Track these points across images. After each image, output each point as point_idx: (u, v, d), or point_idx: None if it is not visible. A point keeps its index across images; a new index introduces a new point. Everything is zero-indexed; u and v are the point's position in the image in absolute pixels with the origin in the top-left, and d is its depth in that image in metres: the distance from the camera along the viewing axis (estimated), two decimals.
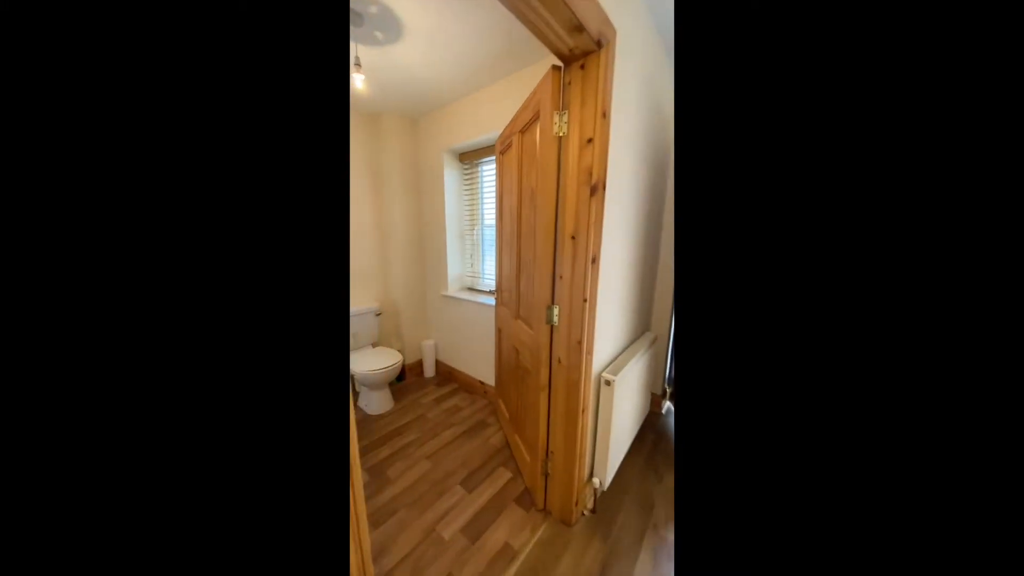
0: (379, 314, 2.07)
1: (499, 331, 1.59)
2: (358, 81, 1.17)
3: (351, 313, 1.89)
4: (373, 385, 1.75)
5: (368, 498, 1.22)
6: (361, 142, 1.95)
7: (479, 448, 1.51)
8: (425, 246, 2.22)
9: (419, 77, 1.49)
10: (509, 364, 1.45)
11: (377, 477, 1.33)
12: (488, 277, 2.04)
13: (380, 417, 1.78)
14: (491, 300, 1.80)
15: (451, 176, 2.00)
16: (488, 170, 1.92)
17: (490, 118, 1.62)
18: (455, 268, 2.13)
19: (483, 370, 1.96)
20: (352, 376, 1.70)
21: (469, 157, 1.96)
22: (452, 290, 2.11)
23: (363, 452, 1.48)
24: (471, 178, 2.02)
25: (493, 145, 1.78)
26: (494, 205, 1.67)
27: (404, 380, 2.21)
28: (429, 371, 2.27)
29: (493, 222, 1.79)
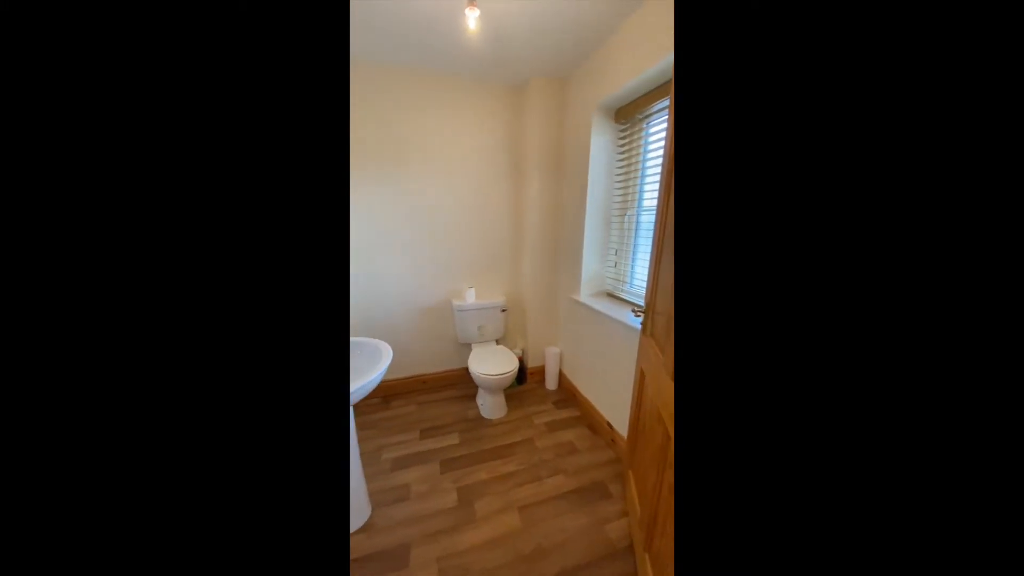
0: (504, 310, 1.92)
1: (641, 373, 1.04)
2: (471, 20, 0.90)
3: (478, 306, 1.83)
4: (487, 388, 1.62)
5: (449, 530, 1.07)
6: (503, 120, 1.77)
7: (588, 531, 1.07)
8: (560, 236, 1.86)
9: (555, 8, 1.07)
10: (651, 436, 0.89)
11: (465, 506, 1.16)
12: (639, 283, 1.45)
13: (491, 424, 1.64)
14: (636, 322, 1.23)
15: (600, 144, 1.50)
16: (656, 124, 1.29)
17: (664, 35, 0.99)
18: (592, 266, 1.66)
19: (613, 409, 1.44)
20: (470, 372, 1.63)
21: (628, 112, 1.39)
22: (584, 295, 1.66)
23: (464, 463, 1.37)
24: (629, 142, 1.44)
25: (667, 83, 1.14)
26: (658, 177, 1.07)
27: (524, 384, 2.01)
28: (551, 382, 1.96)
29: (655, 203, 1.18)
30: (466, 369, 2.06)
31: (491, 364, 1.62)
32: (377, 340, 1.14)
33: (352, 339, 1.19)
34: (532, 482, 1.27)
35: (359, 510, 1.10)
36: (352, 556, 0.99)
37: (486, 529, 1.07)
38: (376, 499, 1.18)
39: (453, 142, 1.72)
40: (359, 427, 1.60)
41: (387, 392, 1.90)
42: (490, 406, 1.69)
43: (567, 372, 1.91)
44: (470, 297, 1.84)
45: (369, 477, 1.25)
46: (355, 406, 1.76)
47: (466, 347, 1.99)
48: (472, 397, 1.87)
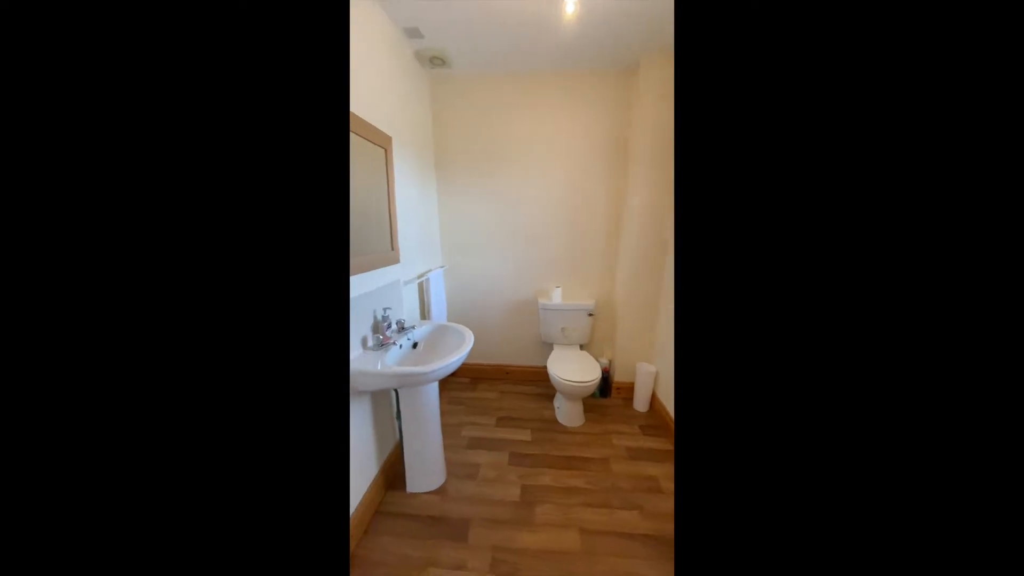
0: (592, 314, 1.80)
1: None
2: (569, 4, 0.84)
3: (563, 307, 1.78)
4: (565, 393, 1.56)
5: (507, 522, 1.08)
6: (606, 109, 1.63)
7: None
8: (668, 238, 1.59)
9: None
10: None
11: (525, 505, 1.16)
12: None
13: (565, 431, 1.58)
14: None
15: None
16: None
17: None
18: None
19: None
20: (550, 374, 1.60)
21: None
22: None
23: (531, 462, 1.36)
24: None
25: None
26: None
27: (608, 398, 1.84)
28: (640, 404, 1.72)
29: None
30: (546, 368, 2.04)
31: (572, 369, 1.55)
32: (463, 327, 1.25)
33: (443, 323, 1.34)
34: (600, 507, 1.15)
35: (437, 474, 1.25)
36: (426, 513, 1.13)
37: (543, 537, 1.04)
38: (450, 469, 1.31)
39: (550, 138, 1.70)
40: (448, 402, 1.82)
41: (475, 375, 2.09)
42: (566, 411, 1.62)
43: (662, 397, 1.64)
44: (556, 297, 1.80)
45: (447, 447, 1.40)
46: (445, 381, 2.01)
47: (548, 346, 1.97)
48: (550, 398, 1.84)
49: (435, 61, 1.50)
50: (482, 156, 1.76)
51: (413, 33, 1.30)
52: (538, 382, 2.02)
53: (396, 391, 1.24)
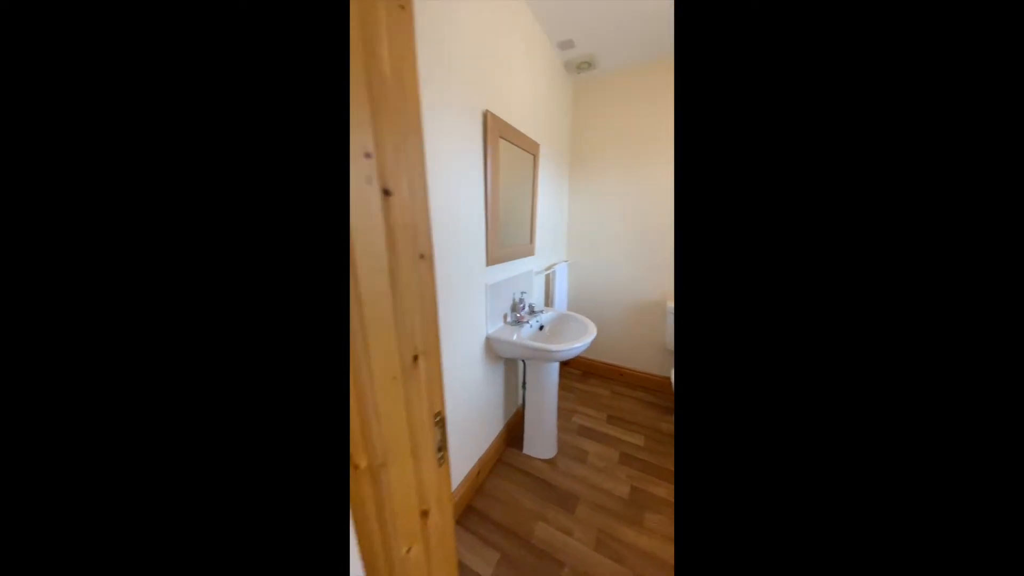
0: None
1: None
2: None
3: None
4: None
5: (614, 513, 1.10)
6: None
7: None
8: None
9: None
10: None
11: (635, 506, 1.14)
12: None
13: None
14: None
15: None
16: None
17: None
18: None
19: None
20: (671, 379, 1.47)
21: None
22: None
23: (644, 468, 1.31)
24: None
25: None
26: None
27: None
28: None
29: None
30: (668, 379, 1.85)
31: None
32: (585, 318, 1.32)
33: (566, 312, 1.44)
34: None
35: (549, 445, 1.38)
36: (539, 475, 1.28)
37: (652, 543, 1.01)
38: (561, 448, 1.42)
39: None
40: (560, 387, 1.93)
41: (586, 368, 2.12)
42: None
43: None
44: None
45: (559, 427, 1.51)
46: (559, 366, 2.12)
47: (673, 355, 1.78)
48: (669, 411, 1.68)
49: (582, 67, 1.58)
50: (617, 153, 1.74)
51: (566, 45, 1.42)
52: (656, 391, 1.87)
53: (524, 362, 1.43)
